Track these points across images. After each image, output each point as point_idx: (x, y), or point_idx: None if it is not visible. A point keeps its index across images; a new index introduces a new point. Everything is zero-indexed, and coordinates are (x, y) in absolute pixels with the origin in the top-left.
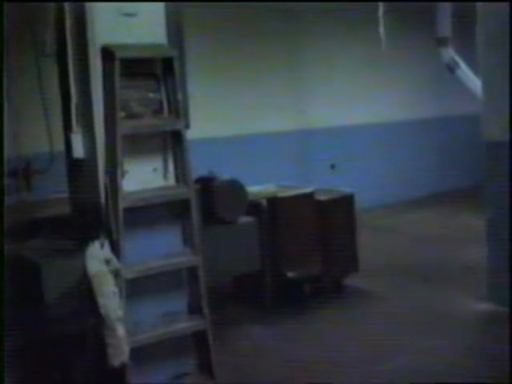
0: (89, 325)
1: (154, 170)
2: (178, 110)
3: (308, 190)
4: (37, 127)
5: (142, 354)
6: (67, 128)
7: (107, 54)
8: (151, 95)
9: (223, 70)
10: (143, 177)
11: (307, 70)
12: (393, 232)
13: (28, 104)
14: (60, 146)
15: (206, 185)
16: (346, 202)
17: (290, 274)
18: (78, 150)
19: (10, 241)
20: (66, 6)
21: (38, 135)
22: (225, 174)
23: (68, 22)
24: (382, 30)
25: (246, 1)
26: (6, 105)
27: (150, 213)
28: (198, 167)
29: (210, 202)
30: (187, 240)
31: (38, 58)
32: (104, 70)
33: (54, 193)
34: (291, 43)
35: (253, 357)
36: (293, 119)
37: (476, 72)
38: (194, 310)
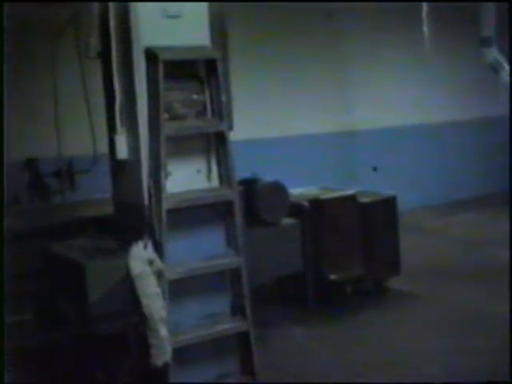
0: (132, 325)
1: (198, 171)
2: (222, 111)
3: (350, 192)
4: (80, 128)
5: (184, 355)
6: (111, 129)
7: (151, 55)
8: (195, 97)
9: (267, 71)
10: (187, 178)
11: (352, 72)
12: (435, 234)
13: (71, 105)
14: (103, 147)
15: (249, 187)
16: (389, 203)
17: (332, 276)
18: (122, 152)
19: (54, 240)
20: (111, 6)
21: (81, 136)
22: (267, 176)
23: (112, 23)
24: (425, 29)
25: (289, 1)
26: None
27: (193, 214)
28: (241, 169)
29: (252, 204)
30: (230, 241)
31: (82, 59)
32: (148, 71)
33: (97, 193)
34: (336, 44)
35: (295, 358)
36: (336, 120)
37: None
38: (237, 311)
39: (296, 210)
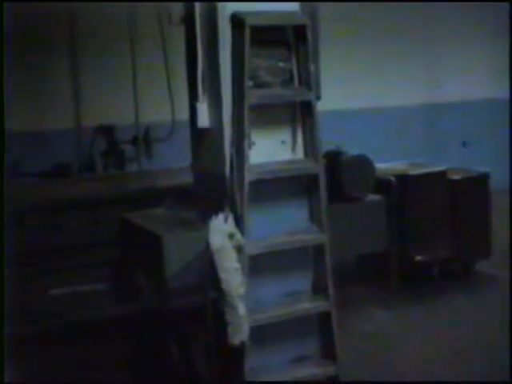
0: (209, 300)
1: (282, 142)
2: (310, 80)
3: (440, 168)
4: (158, 95)
5: (261, 334)
6: (192, 96)
7: (237, 21)
8: (281, 64)
9: (355, 41)
10: (270, 149)
11: (441, 43)
12: None
13: (150, 72)
14: (181, 115)
15: (333, 160)
16: (481, 181)
17: (417, 257)
18: (204, 120)
19: (130, 209)
20: None
21: (159, 103)
22: (352, 149)
23: None
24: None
25: None
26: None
27: (276, 187)
28: (324, 141)
29: (336, 178)
30: (314, 217)
31: (163, 25)
32: (233, 37)
33: (175, 162)
34: (425, 16)
35: (376, 341)
36: (424, 92)
37: None
38: (319, 290)
39: (382, 185)
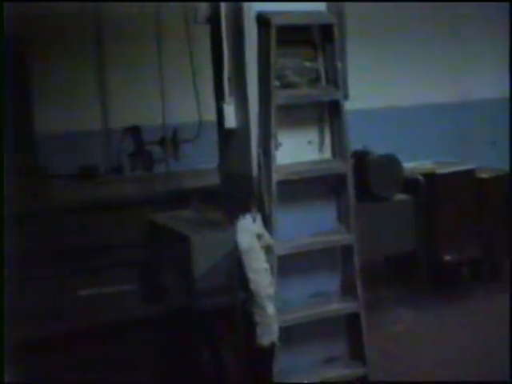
0: (238, 301)
1: (309, 142)
2: (337, 79)
3: (469, 166)
4: (184, 96)
5: (290, 335)
6: (219, 97)
7: (263, 20)
8: (308, 64)
9: (382, 39)
10: (297, 149)
11: (467, 40)
12: None
13: (177, 72)
14: (208, 116)
15: (361, 159)
16: (510, 180)
17: (446, 257)
18: (230, 120)
19: (157, 210)
20: None
21: (186, 104)
22: (379, 148)
23: None
24: None
25: None
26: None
27: (303, 187)
28: (351, 140)
29: (363, 178)
30: (342, 217)
31: (189, 24)
32: (259, 37)
33: (202, 163)
34: (451, 14)
35: (405, 343)
36: (451, 91)
37: None
38: (347, 291)
39: (409, 185)
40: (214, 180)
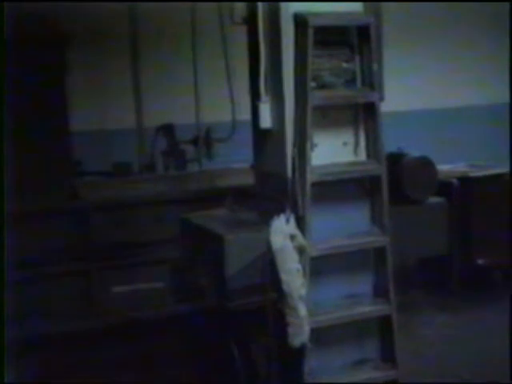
0: (270, 301)
1: (344, 143)
2: (373, 81)
3: (503, 170)
4: (218, 95)
5: (321, 336)
6: (254, 97)
7: (300, 21)
8: (344, 65)
9: (419, 42)
10: (332, 150)
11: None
12: None
13: (211, 72)
14: (241, 115)
15: (395, 161)
16: None
17: (480, 261)
18: (266, 120)
19: (190, 209)
20: None
21: (220, 103)
22: (414, 151)
23: None
24: None
25: None
26: None
27: (337, 188)
28: (386, 142)
29: (397, 180)
30: (376, 219)
31: (224, 24)
32: (296, 37)
33: (235, 162)
34: (489, 14)
35: (437, 346)
36: (486, 92)
37: None
38: (380, 293)
39: (443, 187)
40: (248, 180)
